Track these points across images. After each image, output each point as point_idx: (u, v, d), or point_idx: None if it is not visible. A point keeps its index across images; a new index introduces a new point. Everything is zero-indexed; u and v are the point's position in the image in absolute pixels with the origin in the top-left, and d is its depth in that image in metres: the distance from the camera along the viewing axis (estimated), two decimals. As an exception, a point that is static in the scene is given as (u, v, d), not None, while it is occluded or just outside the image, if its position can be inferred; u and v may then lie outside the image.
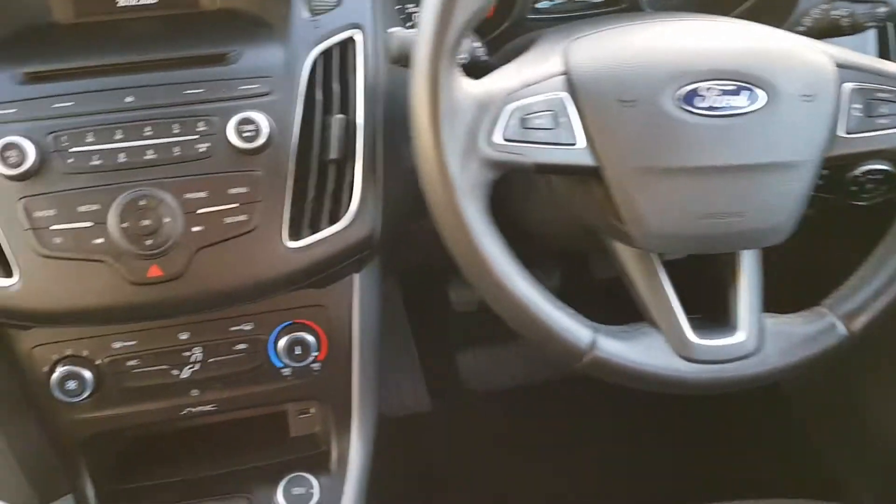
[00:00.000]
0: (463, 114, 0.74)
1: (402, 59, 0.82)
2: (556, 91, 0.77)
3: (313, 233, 0.88)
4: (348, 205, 0.88)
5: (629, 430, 1.88)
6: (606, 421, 1.92)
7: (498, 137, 0.75)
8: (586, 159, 0.77)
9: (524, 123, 0.76)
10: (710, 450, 1.78)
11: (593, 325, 0.81)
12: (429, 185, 0.75)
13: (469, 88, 0.75)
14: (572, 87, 0.77)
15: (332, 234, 0.88)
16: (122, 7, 0.96)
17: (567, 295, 0.85)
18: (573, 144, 0.77)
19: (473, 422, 1.95)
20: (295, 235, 0.87)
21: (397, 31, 0.82)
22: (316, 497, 1.01)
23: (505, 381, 2.02)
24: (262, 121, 0.83)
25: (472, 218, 0.75)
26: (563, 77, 0.78)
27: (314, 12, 0.90)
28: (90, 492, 0.99)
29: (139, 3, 0.96)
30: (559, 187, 0.91)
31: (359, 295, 1.00)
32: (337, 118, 0.87)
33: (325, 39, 0.89)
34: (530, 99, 0.76)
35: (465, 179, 0.74)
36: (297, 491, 1.01)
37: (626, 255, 0.85)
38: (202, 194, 0.83)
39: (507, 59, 0.83)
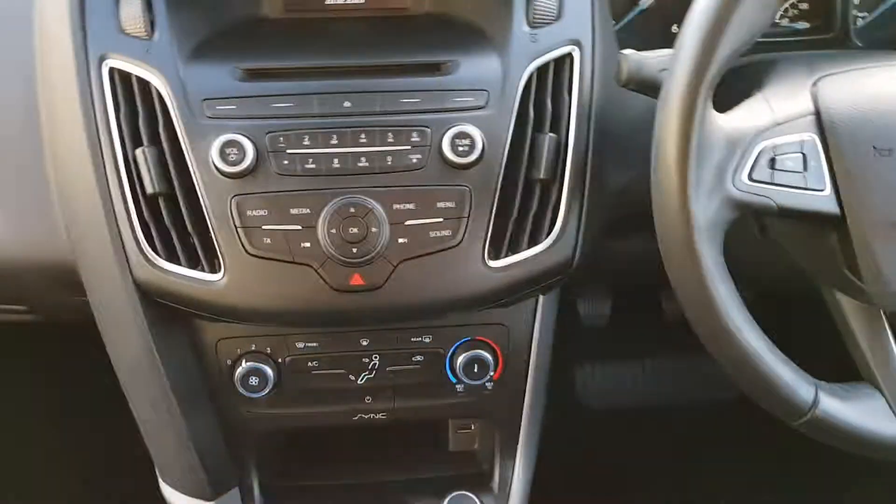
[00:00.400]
0: (712, 150, 0.70)
1: (632, 83, 0.78)
2: (807, 132, 0.72)
3: (512, 253, 0.85)
4: (550, 227, 0.86)
5: (747, 466, 1.81)
6: (725, 452, 1.85)
7: (745, 177, 0.71)
8: (830, 207, 0.72)
9: (773, 164, 0.71)
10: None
11: (815, 381, 0.76)
12: (665, 220, 0.71)
13: (720, 123, 0.71)
14: (822, 128, 0.72)
15: (532, 256, 0.86)
16: (329, 5, 0.96)
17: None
18: (821, 190, 0.72)
19: (588, 441, 1.91)
20: (495, 254, 0.85)
21: (631, 53, 0.78)
22: None
23: (623, 400, 1.97)
24: (477, 136, 0.81)
25: (709, 259, 0.71)
26: (812, 117, 0.73)
27: (533, 25, 0.87)
28: (255, 487, 1.00)
29: (347, 2, 0.96)
30: (777, 228, 0.86)
31: (541, 317, 0.97)
32: (548, 136, 0.84)
33: (543, 54, 0.86)
34: (780, 139, 0.72)
35: (705, 219, 0.70)
36: None
37: (851, 309, 0.79)
38: (410, 206, 0.82)
39: (732, 82, 0.78)
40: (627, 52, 0.79)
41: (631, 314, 1.92)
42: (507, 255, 0.85)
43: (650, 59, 0.77)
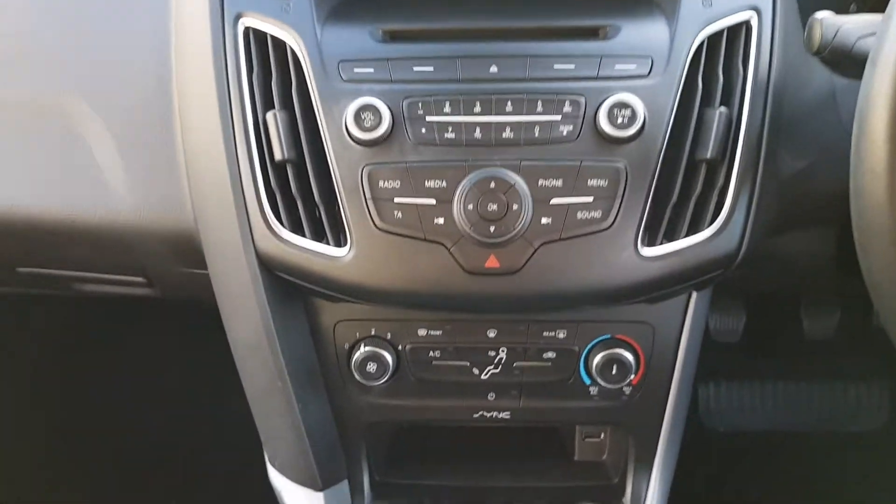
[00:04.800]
0: None
1: (826, 51, 0.67)
2: None
3: (669, 241, 0.76)
4: (715, 214, 0.76)
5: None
6: (861, 487, 1.67)
7: None
8: None
9: None
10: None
11: None
12: (871, 206, 0.60)
13: None
14: None
15: (691, 246, 0.76)
16: None
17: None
18: None
19: (711, 465, 1.77)
20: (649, 241, 0.75)
21: (827, 16, 0.68)
22: None
23: (750, 423, 1.81)
24: (639, 106, 0.72)
25: None
26: None
27: None
28: (365, 480, 0.94)
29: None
30: None
31: (692, 317, 0.87)
32: (718, 112, 0.74)
33: (717, 20, 0.76)
34: None
35: None
36: None
37: None
38: (557, 183, 0.73)
39: None
40: (823, 14, 0.68)
41: (767, 331, 1.78)
42: (662, 243, 0.76)
43: (849, 25, 0.66)
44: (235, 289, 0.83)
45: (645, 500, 0.92)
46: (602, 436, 0.99)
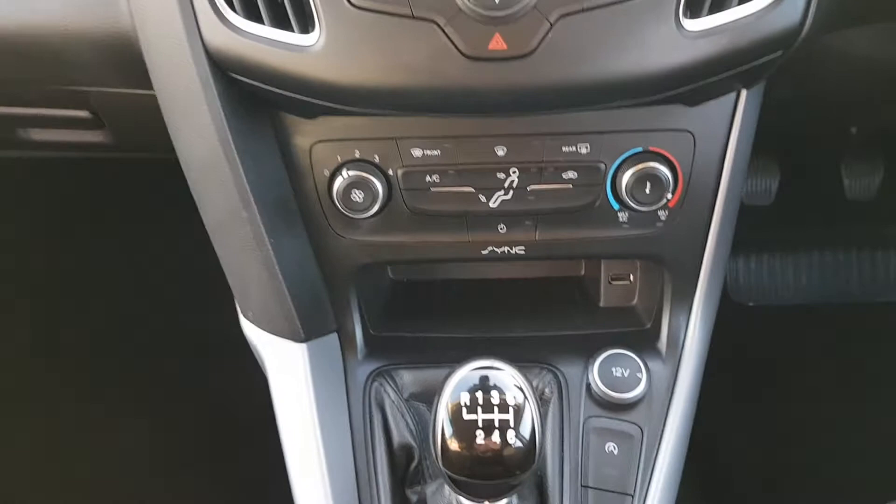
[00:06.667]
0: None
1: None
2: None
3: (717, 10, 0.61)
4: None
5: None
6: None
7: None
8: None
9: None
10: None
11: None
12: None
13: None
14: None
15: (746, 17, 0.61)
16: None
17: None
18: None
19: (739, 337, 1.64)
20: (693, 12, 0.60)
21: None
22: (642, 385, 0.76)
23: (775, 296, 1.68)
24: None
25: None
26: None
27: None
28: (357, 332, 0.81)
29: None
30: None
31: (741, 123, 0.72)
32: None
33: None
34: None
35: None
36: (617, 372, 0.76)
37: None
38: None
39: None
40: None
41: (803, 193, 1.63)
42: (709, 13, 0.60)
43: None
44: (184, 99, 0.68)
45: (684, 343, 0.79)
46: (632, 278, 0.86)
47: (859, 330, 1.60)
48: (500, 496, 0.63)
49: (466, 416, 0.58)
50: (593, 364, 0.77)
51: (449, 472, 0.60)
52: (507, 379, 0.60)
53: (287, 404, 0.77)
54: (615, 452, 0.75)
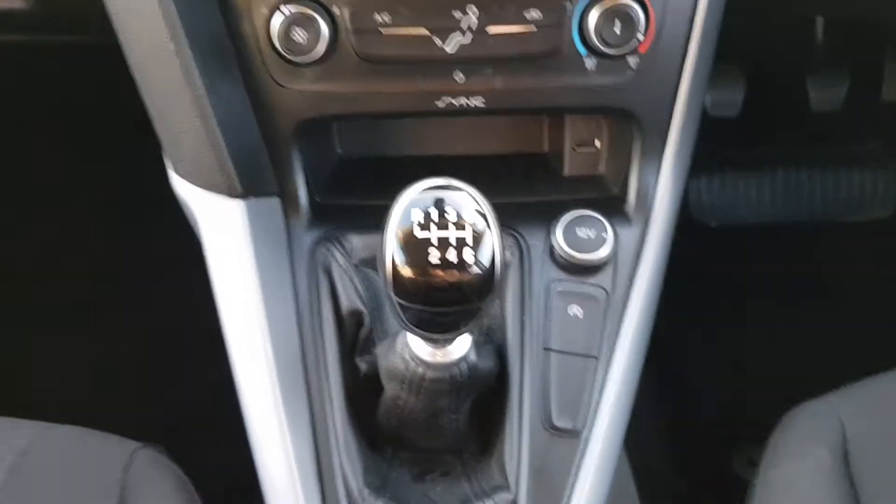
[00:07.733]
0: None
1: None
2: None
3: None
4: None
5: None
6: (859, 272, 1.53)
7: None
8: None
9: None
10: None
11: None
12: None
13: None
14: None
15: None
16: None
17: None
18: None
19: (699, 258, 1.62)
20: None
21: None
22: (608, 245, 0.71)
23: (738, 215, 1.64)
24: None
25: None
26: None
27: None
28: (301, 195, 0.74)
29: None
30: None
31: None
32: None
33: None
34: None
35: None
36: (582, 233, 0.71)
37: None
38: None
39: None
40: None
41: (768, 104, 1.59)
42: None
43: None
44: None
45: (653, 205, 0.74)
46: (598, 143, 0.80)
47: (823, 249, 1.59)
48: (455, 329, 0.57)
49: (419, 234, 0.52)
50: (557, 226, 0.72)
51: (399, 300, 0.54)
52: (466, 199, 0.54)
53: (223, 266, 0.70)
54: (580, 316, 0.70)
